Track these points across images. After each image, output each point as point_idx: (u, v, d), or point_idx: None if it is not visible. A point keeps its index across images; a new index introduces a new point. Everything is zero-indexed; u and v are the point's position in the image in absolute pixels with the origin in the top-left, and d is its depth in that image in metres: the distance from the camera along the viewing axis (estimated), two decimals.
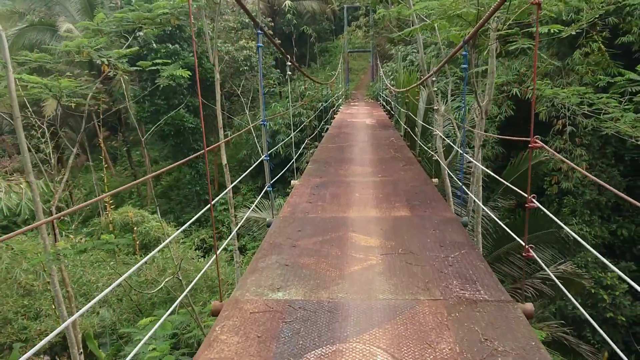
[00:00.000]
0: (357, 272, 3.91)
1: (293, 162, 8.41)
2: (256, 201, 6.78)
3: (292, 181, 7.54)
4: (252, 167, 7.31)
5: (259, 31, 5.57)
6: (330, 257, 4.26)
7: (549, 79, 17.22)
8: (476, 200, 6.60)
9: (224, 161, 10.23)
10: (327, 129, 17.92)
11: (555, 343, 11.59)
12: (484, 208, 6.84)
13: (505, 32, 7.51)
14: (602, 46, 15.52)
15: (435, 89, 9.96)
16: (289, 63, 8.02)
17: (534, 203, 3.43)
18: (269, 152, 6.68)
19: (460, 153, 7.53)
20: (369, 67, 38.03)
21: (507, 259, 12.90)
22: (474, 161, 7.02)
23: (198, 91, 3.78)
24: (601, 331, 2.84)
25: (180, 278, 10.52)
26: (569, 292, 3.26)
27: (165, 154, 30.62)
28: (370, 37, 30.40)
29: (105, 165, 34.89)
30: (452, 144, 10.82)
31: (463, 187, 6.43)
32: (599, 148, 17.39)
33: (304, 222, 5.29)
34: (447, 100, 10.72)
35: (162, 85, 24.70)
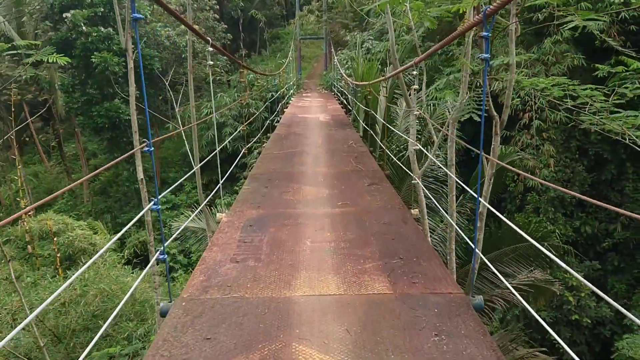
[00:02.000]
0: None
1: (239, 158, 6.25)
2: (192, 216, 4.74)
3: (217, 214, 5.37)
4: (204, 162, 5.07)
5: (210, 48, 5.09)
6: None
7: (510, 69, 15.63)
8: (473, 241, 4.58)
9: (140, 175, 7.93)
10: (278, 121, 15.72)
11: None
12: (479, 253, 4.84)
13: None
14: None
15: (410, 78, 7.94)
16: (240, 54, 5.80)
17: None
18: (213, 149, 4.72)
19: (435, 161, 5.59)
20: (322, 54, 35.84)
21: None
22: (449, 173, 5.12)
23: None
24: (556, 336, 2.57)
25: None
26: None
27: (103, 146, 27.73)
28: (324, 23, 28.18)
29: (36, 159, 31.57)
30: (424, 149, 8.84)
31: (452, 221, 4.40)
32: (563, 142, 16.23)
33: (221, 314, 3.13)
34: (419, 93, 8.70)
35: (95, 73, 21.97)
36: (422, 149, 7.74)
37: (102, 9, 22.24)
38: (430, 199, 6.44)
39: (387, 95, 10.66)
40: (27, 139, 32.63)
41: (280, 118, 15.31)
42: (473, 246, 3.67)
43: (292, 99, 21.81)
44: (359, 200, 5.78)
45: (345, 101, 17.62)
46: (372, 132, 10.84)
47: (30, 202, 27.68)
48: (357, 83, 11.66)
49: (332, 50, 25.03)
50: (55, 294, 2.51)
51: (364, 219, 5.05)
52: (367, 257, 3.99)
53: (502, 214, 3.19)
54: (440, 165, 8.02)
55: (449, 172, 6.58)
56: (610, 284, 14.26)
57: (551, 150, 15.44)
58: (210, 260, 3.99)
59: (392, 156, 8.07)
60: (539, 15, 15.18)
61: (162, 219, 21.20)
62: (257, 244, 4.35)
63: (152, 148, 3.25)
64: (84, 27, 21.49)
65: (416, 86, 5.80)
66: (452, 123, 9.30)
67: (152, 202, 3.43)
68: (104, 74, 21.87)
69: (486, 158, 4.26)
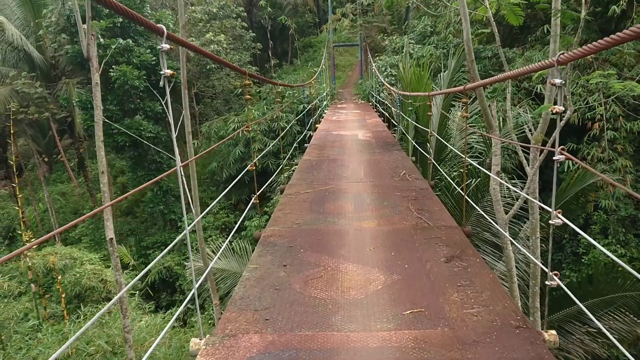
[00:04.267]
0: None
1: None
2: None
3: (192, 343, 2.93)
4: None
5: None
6: None
7: (578, 71, 12.95)
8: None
9: (109, 235, 5.64)
10: (309, 137, 13.30)
11: None
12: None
13: None
14: None
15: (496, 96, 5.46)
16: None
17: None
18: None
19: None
20: (357, 62, 33.32)
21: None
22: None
23: None
24: None
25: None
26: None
27: (127, 165, 25.82)
28: (359, 28, 25.68)
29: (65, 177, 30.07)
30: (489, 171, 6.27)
31: None
32: (633, 153, 13.59)
33: None
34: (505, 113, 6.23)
35: (115, 88, 20.00)
36: (511, 186, 5.18)
37: (121, 20, 20.26)
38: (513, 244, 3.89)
39: (431, 105, 8.06)
40: (56, 157, 31.10)
41: (312, 135, 12.88)
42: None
43: (325, 111, 19.35)
44: (440, 304, 3.25)
45: (384, 112, 15.07)
46: (425, 153, 8.31)
47: (55, 223, 26.00)
48: (406, 93, 9.11)
49: (369, 56, 22.51)
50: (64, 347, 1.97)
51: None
52: None
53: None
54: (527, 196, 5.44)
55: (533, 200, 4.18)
56: None
57: (628, 165, 12.75)
58: None
59: (464, 193, 5.49)
60: (615, 8, 12.44)
61: (189, 242, 18.92)
62: None
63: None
64: (101, 40, 19.53)
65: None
66: (533, 142, 6.67)
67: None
68: (124, 89, 19.89)
69: None
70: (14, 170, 20.26)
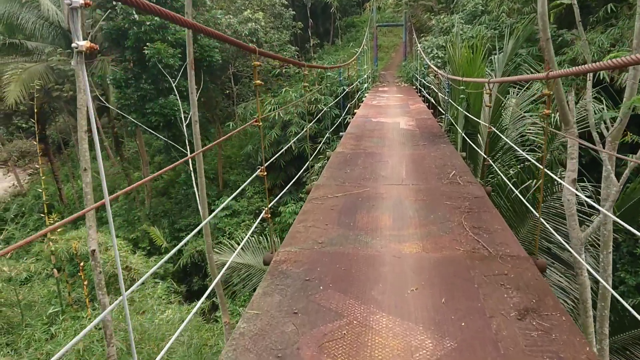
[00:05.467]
0: None
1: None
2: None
3: None
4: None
5: None
6: None
7: None
8: None
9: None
10: (348, 123, 12.16)
11: None
12: None
13: None
14: None
15: None
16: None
17: None
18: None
19: None
20: (401, 44, 31.74)
21: None
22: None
23: None
24: None
25: None
26: None
27: (161, 145, 25.24)
28: (404, 7, 24.13)
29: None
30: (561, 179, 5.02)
31: None
32: None
33: None
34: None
35: (149, 66, 19.24)
36: (586, 198, 3.97)
37: None
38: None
39: (490, 106, 6.77)
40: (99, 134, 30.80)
41: (350, 121, 11.71)
42: None
43: (366, 94, 18.09)
44: None
45: (432, 99, 13.75)
46: (478, 149, 7.08)
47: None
48: (457, 79, 7.83)
49: (414, 36, 21.03)
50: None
51: None
52: None
53: None
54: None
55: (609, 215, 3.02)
56: None
57: None
58: None
59: (538, 214, 4.28)
60: None
61: (222, 226, 17.96)
62: None
63: None
64: (136, 16, 18.76)
65: None
66: (610, 142, 5.37)
67: None
68: (158, 67, 19.09)
69: None
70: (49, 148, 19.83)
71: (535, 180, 7.19)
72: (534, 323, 2.78)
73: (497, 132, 6.62)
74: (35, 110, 16.43)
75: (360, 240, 4.03)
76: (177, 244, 17.38)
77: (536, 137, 9.05)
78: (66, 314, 12.46)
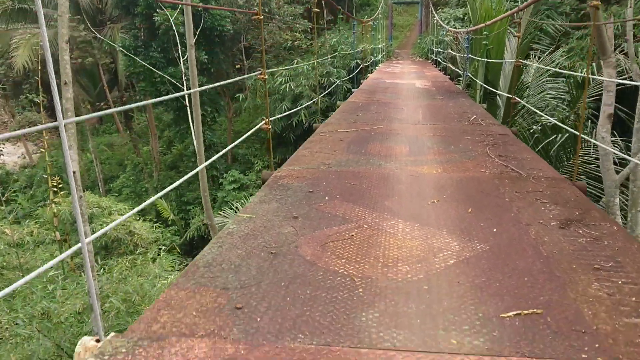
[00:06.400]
0: None
1: None
2: None
3: (78, 345, 1.49)
4: None
5: None
6: None
7: None
8: None
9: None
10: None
11: None
12: None
13: None
14: None
15: None
16: None
17: None
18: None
19: None
20: (417, 23, 30.99)
21: None
22: None
23: None
24: None
25: None
26: None
27: (172, 117, 24.85)
28: None
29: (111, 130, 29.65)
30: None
31: None
32: None
33: None
34: None
35: (159, 34, 18.78)
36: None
37: None
38: None
39: (519, 36, 6.20)
40: (105, 106, 30.46)
41: (360, 85, 11.19)
42: None
43: (379, 65, 17.52)
44: (571, 301, 1.66)
45: (450, 66, 13.15)
46: (500, 92, 6.59)
47: (100, 173, 25.42)
48: (480, 26, 7.28)
49: (431, 9, 20.38)
50: None
51: None
52: None
53: None
54: None
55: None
56: None
57: None
58: None
59: (579, 132, 3.78)
60: None
61: (229, 199, 17.54)
62: None
63: None
64: None
65: None
66: None
67: None
68: (168, 35, 18.63)
69: None
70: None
71: (560, 135, 6.67)
72: (579, 232, 2.30)
73: (525, 63, 6.07)
74: (39, 77, 16.06)
75: (373, 163, 3.56)
76: (185, 217, 17.00)
77: (557, 102, 8.46)
78: (68, 279, 12.14)
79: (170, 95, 2.60)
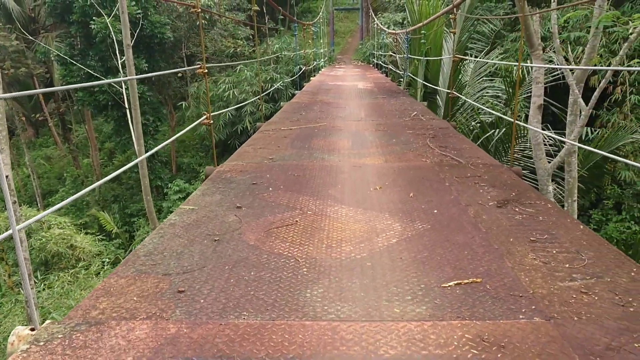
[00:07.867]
0: None
1: None
2: None
3: (11, 335, 1.42)
4: None
5: None
6: None
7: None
8: None
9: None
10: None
11: None
12: None
13: None
14: None
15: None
16: None
17: None
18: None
19: None
20: (357, 29, 31.46)
21: None
22: None
23: None
24: None
25: None
26: None
27: (110, 128, 24.12)
28: None
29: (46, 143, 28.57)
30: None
31: None
32: None
33: None
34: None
35: (96, 42, 18.25)
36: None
37: None
38: None
39: (455, 32, 6.40)
40: (41, 119, 29.28)
41: (302, 88, 11.23)
42: None
43: (322, 70, 17.66)
44: (509, 269, 1.72)
45: (390, 67, 13.38)
46: (439, 98, 6.77)
47: (37, 188, 24.38)
48: (418, 25, 7.46)
49: (372, 14, 20.71)
50: None
51: None
52: None
53: None
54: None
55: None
56: None
57: None
58: None
59: (514, 119, 3.93)
60: None
61: (175, 209, 17.48)
62: None
63: None
64: None
65: None
66: (575, 84, 5.08)
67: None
68: (106, 43, 18.12)
69: None
70: None
71: (497, 130, 6.91)
72: (517, 209, 2.39)
73: (463, 58, 6.26)
74: None
75: (317, 157, 3.58)
76: (129, 229, 16.48)
77: (492, 100, 8.77)
78: (6, 297, 11.61)
79: (111, 80, 2.53)
